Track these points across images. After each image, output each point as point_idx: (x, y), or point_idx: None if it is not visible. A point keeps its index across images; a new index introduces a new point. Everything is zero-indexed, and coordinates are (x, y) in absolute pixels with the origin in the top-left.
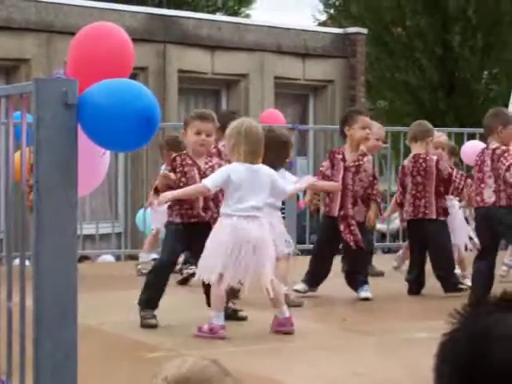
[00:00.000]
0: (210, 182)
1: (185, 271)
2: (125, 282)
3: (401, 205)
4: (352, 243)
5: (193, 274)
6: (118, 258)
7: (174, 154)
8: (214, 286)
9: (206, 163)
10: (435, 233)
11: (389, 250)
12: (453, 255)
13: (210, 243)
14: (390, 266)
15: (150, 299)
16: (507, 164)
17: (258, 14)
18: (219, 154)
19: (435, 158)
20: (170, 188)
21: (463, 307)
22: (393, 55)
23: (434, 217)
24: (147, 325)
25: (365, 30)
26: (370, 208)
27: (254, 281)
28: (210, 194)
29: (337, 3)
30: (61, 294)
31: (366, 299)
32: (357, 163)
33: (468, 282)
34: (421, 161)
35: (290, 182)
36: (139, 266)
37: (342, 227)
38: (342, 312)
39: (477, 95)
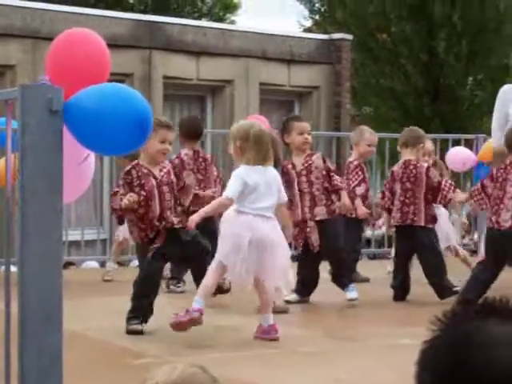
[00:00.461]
0: (231, 193)
1: (171, 287)
2: (110, 288)
3: (388, 210)
4: (302, 249)
5: (181, 292)
6: (102, 265)
7: (127, 167)
8: (214, 273)
9: (161, 170)
10: (424, 240)
11: (374, 256)
12: (444, 261)
13: (226, 239)
14: (375, 272)
15: (136, 310)
16: None
17: (244, 20)
18: (182, 163)
19: (426, 165)
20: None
21: (444, 314)
22: (378, 61)
23: (423, 224)
24: (133, 331)
25: (350, 36)
26: (339, 200)
27: (258, 281)
28: (233, 203)
29: (322, 9)
30: (46, 299)
31: (353, 300)
32: (306, 164)
33: None
34: (411, 167)
35: None
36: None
37: (295, 232)
38: (327, 318)
39: (462, 101)
